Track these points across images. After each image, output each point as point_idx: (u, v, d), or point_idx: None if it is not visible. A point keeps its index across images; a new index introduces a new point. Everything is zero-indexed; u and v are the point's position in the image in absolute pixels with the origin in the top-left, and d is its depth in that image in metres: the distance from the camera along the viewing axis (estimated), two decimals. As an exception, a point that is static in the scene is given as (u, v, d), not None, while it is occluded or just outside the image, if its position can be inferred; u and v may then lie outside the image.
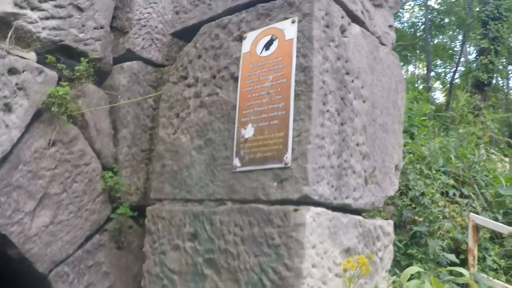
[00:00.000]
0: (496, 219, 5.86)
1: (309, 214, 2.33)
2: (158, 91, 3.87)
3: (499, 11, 15.01)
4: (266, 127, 2.60)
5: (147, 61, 4.06)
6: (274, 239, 2.38)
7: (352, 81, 2.81)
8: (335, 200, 2.53)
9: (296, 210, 2.35)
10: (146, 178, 3.84)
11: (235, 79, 2.88)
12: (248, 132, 2.69)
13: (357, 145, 2.79)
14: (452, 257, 5.08)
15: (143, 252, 3.14)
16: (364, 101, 2.91)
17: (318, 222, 2.37)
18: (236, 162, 2.70)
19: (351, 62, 2.81)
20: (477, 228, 5.06)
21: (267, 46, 2.75)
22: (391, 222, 3.18)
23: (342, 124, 2.66)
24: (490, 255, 5.47)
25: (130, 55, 3.95)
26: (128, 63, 3.92)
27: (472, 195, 6.41)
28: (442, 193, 5.74)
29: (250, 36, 2.86)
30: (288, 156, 2.45)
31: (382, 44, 3.32)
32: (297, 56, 2.58)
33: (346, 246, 2.59)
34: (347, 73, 2.77)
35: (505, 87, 26.39)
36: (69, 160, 3.26)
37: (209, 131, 2.94)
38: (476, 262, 4.99)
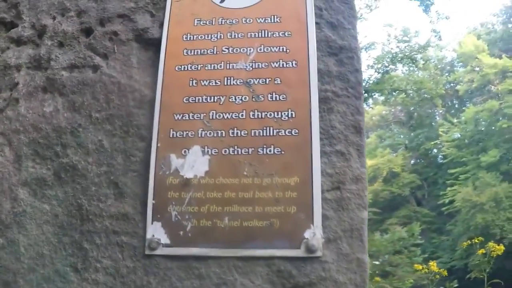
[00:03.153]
0: None
1: None
2: None
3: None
4: (248, 160, 1.15)
5: None
6: None
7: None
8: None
9: None
10: None
11: (149, 43, 1.33)
12: (192, 164, 1.17)
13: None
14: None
15: None
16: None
17: None
18: (156, 232, 1.13)
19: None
20: None
21: (239, -11, 1.32)
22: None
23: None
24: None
25: None
26: None
27: None
28: None
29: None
30: (316, 233, 1.06)
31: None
32: (318, 23, 1.27)
33: None
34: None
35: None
36: None
37: (69, 150, 1.26)
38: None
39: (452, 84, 23.21)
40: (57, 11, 1.41)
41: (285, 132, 1.16)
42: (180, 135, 1.19)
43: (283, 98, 1.19)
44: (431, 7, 12.89)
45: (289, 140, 1.16)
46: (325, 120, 1.19)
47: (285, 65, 1.22)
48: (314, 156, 1.14)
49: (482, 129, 19.99)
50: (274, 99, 1.19)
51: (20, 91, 1.34)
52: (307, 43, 1.23)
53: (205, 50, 1.27)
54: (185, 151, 1.18)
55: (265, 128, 1.17)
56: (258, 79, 1.22)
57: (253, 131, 1.17)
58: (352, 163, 1.16)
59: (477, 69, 20.77)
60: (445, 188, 19.17)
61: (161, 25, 1.33)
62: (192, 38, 1.29)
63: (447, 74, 23.63)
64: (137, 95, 1.27)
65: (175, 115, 1.21)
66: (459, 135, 20.58)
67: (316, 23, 1.27)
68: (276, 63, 1.23)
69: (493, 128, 19.25)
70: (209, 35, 1.28)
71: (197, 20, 1.31)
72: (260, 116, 1.18)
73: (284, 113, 1.18)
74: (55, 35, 1.39)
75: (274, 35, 1.26)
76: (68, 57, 1.34)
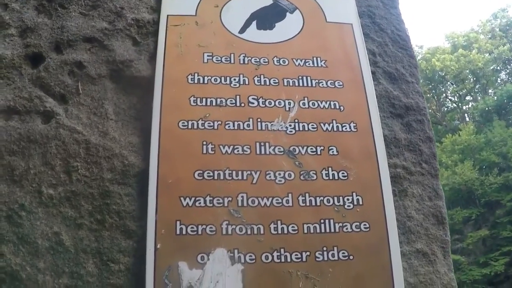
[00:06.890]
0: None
1: None
2: None
3: None
4: (302, 269, 0.77)
5: None
6: None
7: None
8: None
9: None
10: None
11: (133, 83, 0.90)
12: (215, 279, 0.76)
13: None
14: None
15: None
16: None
17: None
18: None
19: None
20: None
21: (267, 20, 0.97)
22: None
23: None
24: None
25: None
26: None
27: None
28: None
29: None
30: None
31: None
32: (374, 73, 0.95)
33: None
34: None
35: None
36: None
37: None
38: None
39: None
40: (-13, 25, 0.92)
41: (351, 227, 0.80)
42: (193, 231, 0.77)
43: (343, 176, 0.84)
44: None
45: (358, 239, 0.80)
46: (399, 208, 0.86)
47: (340, 128, 0.87)
48: (394, 261, 0.80)
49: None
50: (330, 177, 0.83)
51: None
52: (366, 98, 0.91)
53: (224, 100, 0.87)
54: (202, 258, 0.76)
55: (322, 221, 0.80)
56: (305, 147, 0.85)
57: (305, 225, 0.80)
58: (438, 266, 0.84)
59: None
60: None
61: (151, 58, 0.91)
62: (202, 81, 0.88)
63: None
64: (117, 164, 0.82)
65: (183, 198, 0.79)
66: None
67: (372, 72, 0.94)
68: (328, 124, 0.87)
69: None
70: (228, 78, 0.89)
71: (208, 55, 0.91)
72: (313, 203, 0.81)
73: (347, 199, 0.82)
74: (-18, 61, 0.89)
75: (321, 85, 0.91)
76: (3, 96, 0.85)
